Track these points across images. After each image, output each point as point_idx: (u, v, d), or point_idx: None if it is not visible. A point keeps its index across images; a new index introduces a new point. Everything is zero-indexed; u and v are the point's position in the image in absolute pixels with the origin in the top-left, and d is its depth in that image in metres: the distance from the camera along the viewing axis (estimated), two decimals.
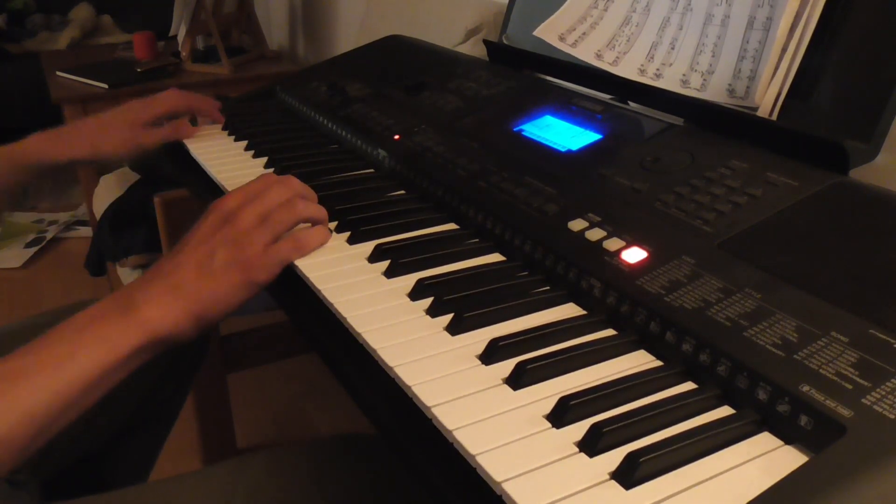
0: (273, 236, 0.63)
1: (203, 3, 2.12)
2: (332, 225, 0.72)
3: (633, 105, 0.84)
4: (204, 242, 0.62)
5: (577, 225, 0.62)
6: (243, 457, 0.74)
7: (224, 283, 0.60)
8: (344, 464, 0.72)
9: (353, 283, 0.62)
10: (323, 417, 1.74)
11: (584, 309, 0.58)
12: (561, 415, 0.45)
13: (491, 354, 0.51)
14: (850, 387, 0.42)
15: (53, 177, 1.08)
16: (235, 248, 0.61)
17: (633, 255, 0.57)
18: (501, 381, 0.49)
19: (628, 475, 0.40)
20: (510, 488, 0.40)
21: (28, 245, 2.52)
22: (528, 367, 0.49)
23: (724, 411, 0.46)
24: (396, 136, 0.87)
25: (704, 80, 0.75)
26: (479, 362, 0.51)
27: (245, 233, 0.62)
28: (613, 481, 0.41)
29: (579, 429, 0.44)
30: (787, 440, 0.44)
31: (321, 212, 0.69)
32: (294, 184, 0.67)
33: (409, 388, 0.49)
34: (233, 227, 0.62)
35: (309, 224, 0.68)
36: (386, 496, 0.69)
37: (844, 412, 0.41)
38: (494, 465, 0.42)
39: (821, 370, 0.44)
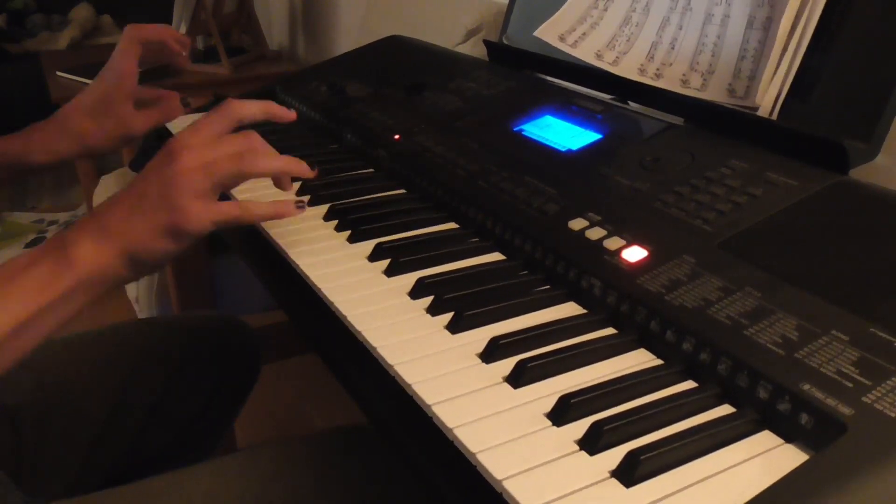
0: (212, 184, 0.59)
1: (203, 3, 2.12)
2: (305, 198, 0.71)
3: (633, 105, 0.84)
4: (142, 181, 0.60)
5: (577, 224, 0.62)
6: (253, 449, 0.74)
7: (150, 223, 0.58)
8: (355, 456, 0.73)
9: (354, 282, 0.62)
10: (323, 417, 1.74)
11: (584, 308, 0.58)
12: (561, 413, 0.45)
13: (491, 353, 0.51)
14: (850, 385, 0.42)
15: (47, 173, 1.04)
16: (168, 188, 0.58)
17: (634, 254, 0.57)
18: (502, 380, 0.49)
19: (629, 473, 0.40)
20: (511, 486, 0.40)
21: (28, 245, 2.52)
22: (529, 365, 0.49)
23: (725, 410, 0.46)
24: (396, 136, 0.87)
25: (704, 79, 0.75)
26: (480, 361, 0.51)
27: (181, 174, 0.58)
28: (614, 479, 0.41)
29: (580, 427, 0.44)
30: (788, 439, 0.44)
31: (275, 165, 0.63)
32: (253, 139, 0.62)
33: (409, 386, 0.49)
34: (170, 168, 0.59)
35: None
36: (399, 487, 0.69)
37: (845, 410, 0.41)
38: (495, 464, 0.42)
39: (821, 369, 0.44)
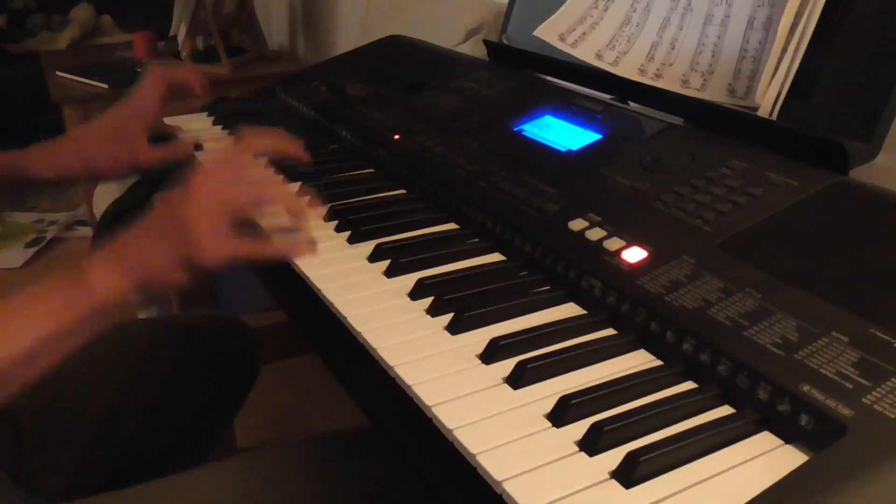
0: (228, 219, 0.61)
1: (203, 3, 2.12)
2: (330, 226, 0.71)
3: (633, 105, 0.84)
4: (159, 218, 0.62)
5: (577, 225, 0.62)
6: (254, 452, 0.74)
7: (168, 257, 0.60)
8: (355, 458, 0.73)
9: (354, 282, 0.62)
10: (323, 417, 1.74)
11: (584, 308, 0.58)
12: (561, 414, 0.45)
13: (491, 354, 0.51)
14: (850, 386, 0.42)
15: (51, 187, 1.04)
16: (186, 225, 0.60)
17: (634, 254, 0.57)
18: (502, 381, 0.49)
19: (628, 474, 0.40)
20: (510, 487, 0.40)
21: (28, 245, 2.52)
22: (529, 366, 0.49)
23: (725, 411, 0.46)
24: (396, 136, 0.87)
25: (704, 79, 0.75)
26: (480, 362, 0.51)
27: (199, 211, 0.60)
28: (614, 480, 0.41)
29: (579, 428, 0.44)
30: (788, 439, 0.44)
31: (287, 200, 0.65)
32: (263, 170, 0.65)
33: (409, 387, 0.49)
34: (189, 204, 0.61)
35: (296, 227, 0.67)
36: (400, 489, 0.69)
37: (845, 411, 0.41)
38: (495, 465, 0.42)
39: (821, 370, 0.44)
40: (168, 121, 1.00)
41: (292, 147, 0.71)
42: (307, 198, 0.68)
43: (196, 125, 1.04)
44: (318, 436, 0.78)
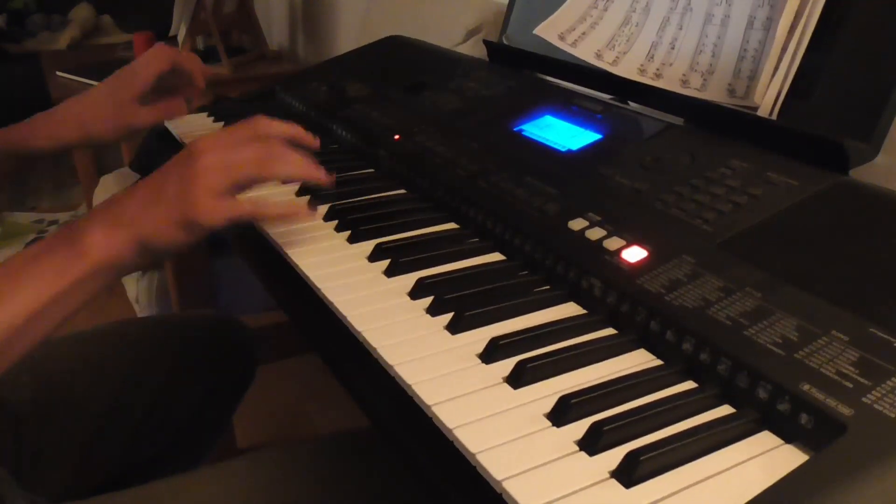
0: (230, 184, 0.61)
1: (203, 3, 2.12)
2: (323, 209, 0.72)
3: (633, 105, 0.84)
4: (160, 175, 0.61)
5: (577, 224, 0.62)
6: (257, 453, 0.74)
7: (165, 214, 0.59)
8: (357, 459, 0.73)
9: (354, 282, 0.62)
10: (323, 417, 1.74)
11: (584, 308, 0.58)
12: (561, 413, 0.45)
13: (491, 353, 0.51)
14: (850, 385, 0.42)
15: (47, 160, 1.03)
16: (186, 183, 0.60)
17: (634, 254, 0.57)
18: (502, 380, 0.49)
19: (628, 474, 0.40)
20: (510, 487, 0.40)
21: (28, 245, 2.52)
22: (529, 365, 0.49)
23: (725, 410, 0.46)
24: (396, 136, 0.87)
25: (704, 79, 0.75)
26: (480, 361, 0.51)
27: (200, 172, 0.60)
28: (614, 480, 0.41)
29: (579, 427, 0.44)
30: (788, 439, 0.44)
31: (292, 170, 0.65)
32: (273, 145, 0.64)
33: (409, 386, 0.49)
34: (191, 166, 0.60)
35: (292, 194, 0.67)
36: (396, 492, 0.69)
37: (845, 411, 0.41)
38: (495, 464, 0.42)
39: (821, 369, 0.44)
40: (168, 124, 1.00)
41: (305, 136, 0.69)
42: (312, 170, 0.66)
43: (196, 125, 1.04)
44: (320, 437, 0.77)
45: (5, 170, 0.88)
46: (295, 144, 0.67)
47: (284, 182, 0.78)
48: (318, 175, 0.66)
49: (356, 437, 0.76)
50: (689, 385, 0.49)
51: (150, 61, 0.88)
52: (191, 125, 1.03)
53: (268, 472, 0.71)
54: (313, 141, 0.69)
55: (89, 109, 0.87)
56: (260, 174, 0.62)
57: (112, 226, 0.59)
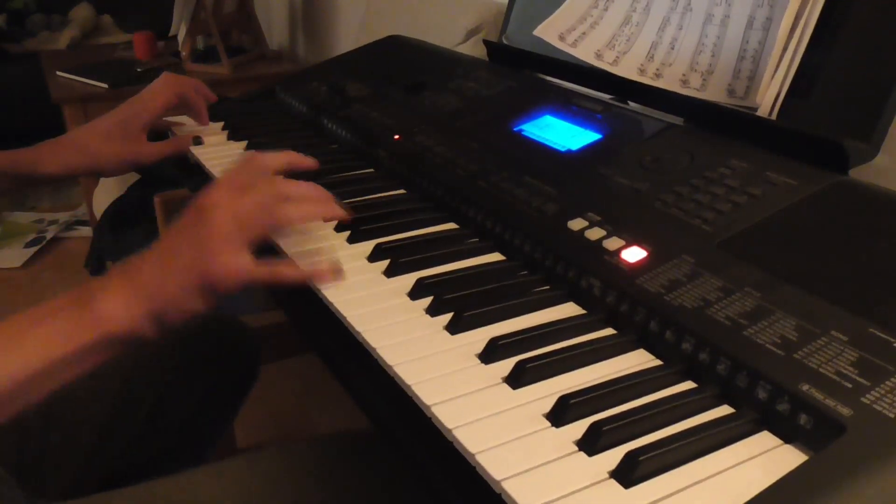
0: (245, 240, 0.59)
1: (203, 3, 2.12)
2: (330, 226, 0.70)
3: (633, 105, 0.84)
4: (173, 240, 0.60)
5: (576, 224, 0.62)
6: (255, 452, 0.74)
7: (182, 285, 0.58)
8: (356, 460, 0.72)
9: (353, 282, 0.62)
10: (323, 417, 1.74)
11: (583, 308, 0.58)
12: (560, 414, 0.45)
13: (490, 353, 0.51)
14: (849, 386, 0.42)
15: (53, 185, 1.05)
16: (201, 248, 0.58)
17: (633, 254, 0.57)
18: (501, 380, 0.49)
19: (627, 474, 0.40)
20: (510, 487, 0.40)
21: (28, 245, 2.52)
22: (528, 366, 0.49)
23: (724, 410, 0.46)
24: (396, 136, 0.87)
25: (704, 79, 0.75)
26: (479, 361, 0.51)
27: (215, 233, 0.58)
28: (613, 480, 0.41)
29: (579, 427, 0.44)
30: (787, 439, 0.44)
31: (306, 211, 0.63)
32: (280, 185, 0.62)
33: (408, 387, 0.49)
34: (203, 228, 0.58)
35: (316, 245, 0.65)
36: (396, 492, 0.69)
37: (844, 411, 0.41)
38: (494, 464, 0.42)
39: (820, 369, 0.44)
40: (168, 118, 1.00)
41: (301, 160, 0.68)
42: (328, 207, 0.65)
43: (195, 123, 1.04)
44: (320, 437, 0.77)
45: (11, 190, 0.88)
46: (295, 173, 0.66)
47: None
48: (332, 213, 0.65)
49: (356, 437, 0.76)
50: (688, 385, 0.49)
51: (158, 95, 0.91)
52: (191, 124, 1.03)
53: (267, 471, 0.71)
54: (311, 164, 0.68)
55: (96, 138, 0.88)
56: (272, 222, 0.60)
57: (130, 296, 0.57)
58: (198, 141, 0.95)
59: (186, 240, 0.59)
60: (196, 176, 0.92)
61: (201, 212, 0.59)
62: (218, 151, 0.94)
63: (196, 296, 0.58)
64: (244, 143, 0.95)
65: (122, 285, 0.58)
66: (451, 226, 0.72)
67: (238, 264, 0.58)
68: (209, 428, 1.00)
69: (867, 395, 0.42)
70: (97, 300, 0.57)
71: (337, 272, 0.61)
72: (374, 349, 0.53)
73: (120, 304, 0.57)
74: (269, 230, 0.61)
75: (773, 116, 0.68)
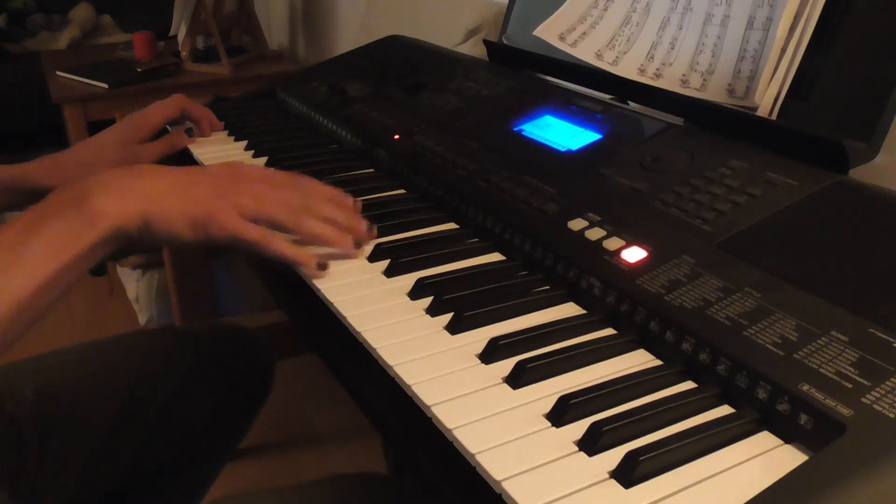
0: (256, 213, 0.62)
1: (203, 3, 2.12)
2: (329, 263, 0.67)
3: (633, 105, 0.84)
4: (196, 173, 0.63)
5: (576, 224, 0.62)
6: (263, 493, 0.72)
7: (185, 206, 0.60)
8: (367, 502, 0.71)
9: (353, 282, 0.62)
10: (323, 417, 1.74)
11: (583, 308, 0.58)
12: (561, 414, 0.45)
13: (491, 353, 0.51)
14: (849, 386, 0.42)
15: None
16: (218, 193, 0.61)
17: (633, 254, 0.57)
18: (501, 380, 0.49)
19: (628, 474, 0.40)
20: (510, 487, 0.40)
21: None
22: (528, 366, 0.49)
23: (724, 410, 0.46)
24: (396, 136, 0.87)
25: (704, 79, 0.75)
26: (479, 361, 0.51)
27: (238, 192, 0.61)
28: (613, 480, 0.41)
29: (579, 428, 0.44)
30: (787, 439, 0.44)
31: (319, 231, 0.64)
32: (312, 199, 0.65)
33: (408, 387, 0.49)
34: (232, 182, 0.62)
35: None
36: None
37: (844, 411, 0.41)
38: (494, 464, 0.42)
39: (820, 369, 0.44)
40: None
41: (347, 201, 0.69)
42: (342, 239, 0.66)
43: None
44: (331, 477, 0.74)
45: (11, 204, 0.88)
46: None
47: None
48: (346, 245, 0.65)
49: (370, 480, 0.73)
50: (688, 385, 0.49)
51: (162, 106, 0.93)
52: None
53: None
54: (353, 204, 0.70)
55: (97, 152, 0.89)
56: (288, 221, 0.63)
57: (124, 195, 0.58)
58: (190, 133, 0.96)
59: (211, 178, 0.62)
60: None
61: (238, 172, 0.63)
62: (218, 151, 0.94)
63: (188, 225, 0.60)
64: (244, 143, 0.95)
65: (118, 183, 0.59)
66: (451, 226, 0.72)
67: (234, 220, 0.61)
68: (216, 444, 0.97)
69: (867, 396, 0.42)
70: (88, 200, 0.57)
71: (322, 267, 0.63)
72: (374, 349, 0.53)
73: (114, 203, 0.57)
74: (281, 224, 0.63)
75: (773, 116, 0.68)
